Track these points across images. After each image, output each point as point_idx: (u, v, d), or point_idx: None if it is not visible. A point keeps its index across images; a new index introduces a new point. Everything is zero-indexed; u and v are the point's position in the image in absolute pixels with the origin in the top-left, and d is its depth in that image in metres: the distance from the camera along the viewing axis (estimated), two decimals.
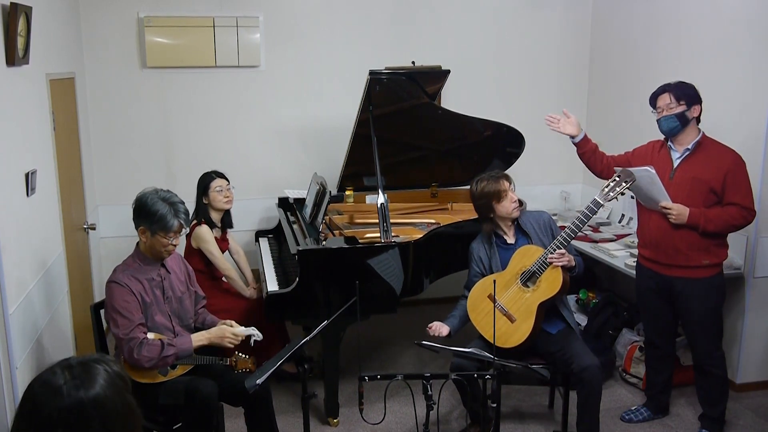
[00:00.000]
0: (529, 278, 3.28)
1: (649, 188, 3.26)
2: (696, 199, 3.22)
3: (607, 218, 5.02)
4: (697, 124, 3.31)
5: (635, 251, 4.24)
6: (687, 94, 3.26)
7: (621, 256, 4.20)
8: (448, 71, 4.23)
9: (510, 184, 3.38)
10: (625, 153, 3.62)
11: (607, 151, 5.50)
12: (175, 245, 2.93)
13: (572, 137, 3.59)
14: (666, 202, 3.23)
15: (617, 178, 3.15)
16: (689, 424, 3.62)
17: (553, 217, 3.66)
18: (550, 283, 3.25)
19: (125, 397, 1.34)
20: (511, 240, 3.45)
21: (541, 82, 5.33)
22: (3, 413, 2.66)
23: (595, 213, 3.23)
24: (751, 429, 3.60)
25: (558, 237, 3.24)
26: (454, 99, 4.99)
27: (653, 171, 3.20)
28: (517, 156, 4.56)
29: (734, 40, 3.88)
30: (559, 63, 5.34)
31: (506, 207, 3.38)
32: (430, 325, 3.33)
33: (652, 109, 3.35)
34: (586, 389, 3.18)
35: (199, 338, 2.93)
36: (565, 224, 4.70)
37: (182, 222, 2.88)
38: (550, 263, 3.22)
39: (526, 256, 3.31)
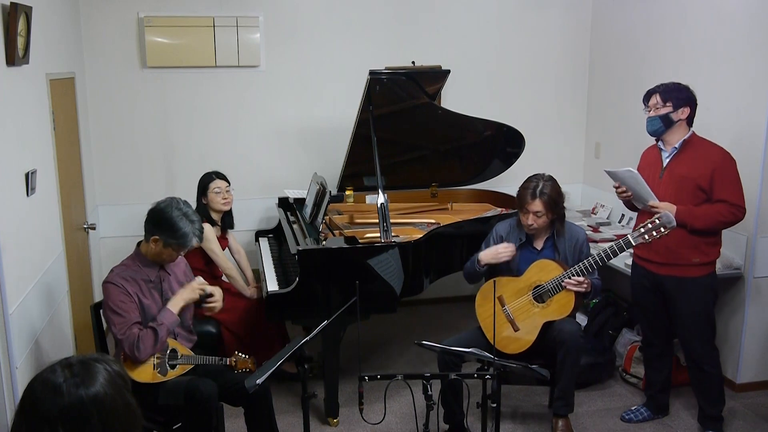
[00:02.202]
0: (542, 294, 3.29)
1: (635, 188, 3.30)
2: (684, 197, 3.25)
3: (607, 218, 5.02)
4: (689, 125, 3.32)
5: None
6: (675, 96, 3.27)
7: (621, 256, 4.15)
8: (448, 71, 4.24)
9: (541, 209, 3.27)
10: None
11: (606, 151, 5.49)
12: (180, 255, 2.99)
13: None
14: (653, 201, 3.26)
15: (657, 221, 3.12)
16: (689, 424, 3.63)
17: None
18: (561, 306, 3.27)
19: (125, 396, 1.35)
20: (538, 245, 3.43)
21: (541, 82, 5.33)
22: (3, 413, 2.66)
23: (623, 251, 3.23)
24: (751, 429, 3.60)
25: (580, 264, 3.23)
26: (454, 99, 4.99)
27: (635, 171, 3.26)
28: (517, 156, 4.57)
29: (734, 40, 3.88)
30: (559, 63, 5.34)
31: (524, 220, 3.37)
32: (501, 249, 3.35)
33: (643, 106, 3.38)
34: (563, 348, 3.25)
35: (175, 304, 2.93)
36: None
37: (198, 240, 2.92)
38: (565, 287, 3.23)
39: (544, 271, 3.30)
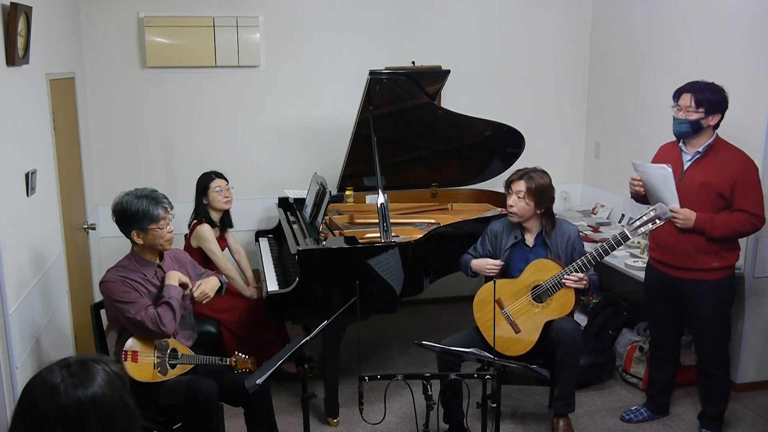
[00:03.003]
0: (541, 294, 3.28)
1: (660, 188, 3.20)
2: (704, 203, 3.16)
3: (607, 218, 5.02)
4: (714, 130, 3.20)
5: (635, 251, 4.26)
6: (709, 100, 3.13)
7: (621, 256, 4.19)
8: (448, 71, 4.24)
9: (523, 189, 3.31)
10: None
11: (606, 151, 5.48)
12: (171, 232, 2.95)
13: None
14: (674, 205, 3.17)
15: (651, 213, 3.09)
16: (689, 424, 3.62)
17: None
18: (561, 305, 3.27)
19: (123, 397, 1.34)
20: (530, 242, 3.44)
21: (541, 82, 5.33)
22: (3, 413, 2.66)
23: (621, 245, 3.21)
24: (751, 429, 3.60)
25: (577, 261, 3.23)
26: (454, 99, 4.99)
27: (670, 170, 3.14)
28: (517, 156, 4.57)
29: (734, 40, 3.88)
30: (559, 63, 5.34)
31: (507, 203, 3.40)
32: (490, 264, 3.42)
33: (673, 102, 3.24)
34: (562, 348, 3.24)
35: (171, 279, 2.93)
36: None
37: (166, 206, 2.93)
38: (565, 284, 3.22)
39: (542, 271, 3.30)
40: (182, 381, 2.87)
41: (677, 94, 3.23)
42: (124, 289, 2.83)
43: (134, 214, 2.86)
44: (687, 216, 3.15)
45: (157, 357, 2.88)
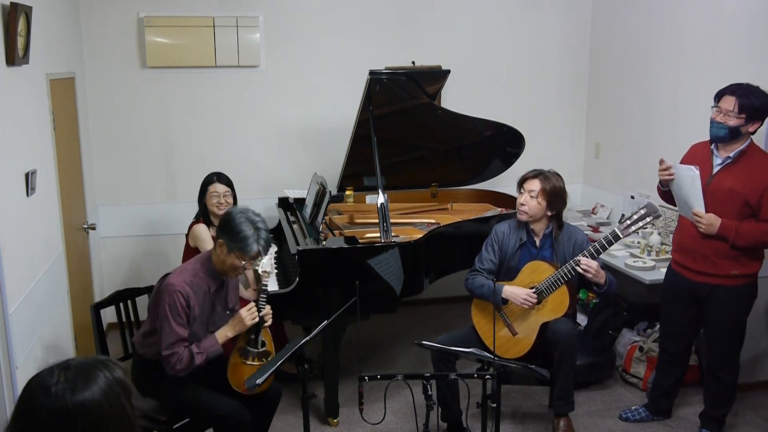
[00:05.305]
0: (536, 295, 3.28)
1: (687, 189, 3.12)
2: (730, 210, 3.08)
3: (607, 218, 5.03)
4: (750, 136, 3.11)
5: (636, 251, 4.26)
6: (753, 106, 3.00)
7: (621, 256, 4.20)
8: (448, 71, 4.24)
9: (537, 188, 3.25)
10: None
11: (606, 151, 5.47)
12: (245, 269, 2.85)
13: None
14: (699, 209, 3.11)
15: (642, 212, 3.06)
16: (689, 424, 3.62)
17: None
18: (556, 306, 3.26)
19: (121, 405, 1.31)
20: (537, 244, 3.40)
21: (541, 82, 5.33)
22: (3, 413, 2.66)
23: (612, 245, 3.17)
24: (751, 429, 3.60)
25: (570, 262, 3.19)
26: (454, 99, 4.99)
27: (697, 172, 3.06)
28: (517, 156, 4.57)
29: (734, 40, 3.88)
30: (559, 63, 5.34)
31: (518, 201, 3.34)
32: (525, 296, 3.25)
33: (713, 103, 3.13)
34: (559, 348, 3.23)
35: (222, 334, 2.88)
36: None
37: (261, 249, 2.81)
38: (580, 268, 3.14)
39: (537, 272, 3.28)
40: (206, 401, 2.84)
41: (719, 95, 3.10)
42: (180, 311, 2.75)
43: (235, 232, 2.76)
44: (711, 221, 3.08)
45: (244, 342, 2.97)
